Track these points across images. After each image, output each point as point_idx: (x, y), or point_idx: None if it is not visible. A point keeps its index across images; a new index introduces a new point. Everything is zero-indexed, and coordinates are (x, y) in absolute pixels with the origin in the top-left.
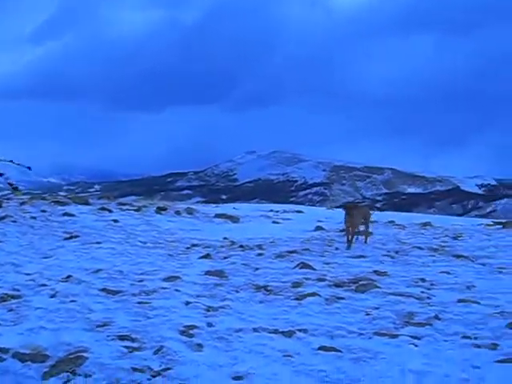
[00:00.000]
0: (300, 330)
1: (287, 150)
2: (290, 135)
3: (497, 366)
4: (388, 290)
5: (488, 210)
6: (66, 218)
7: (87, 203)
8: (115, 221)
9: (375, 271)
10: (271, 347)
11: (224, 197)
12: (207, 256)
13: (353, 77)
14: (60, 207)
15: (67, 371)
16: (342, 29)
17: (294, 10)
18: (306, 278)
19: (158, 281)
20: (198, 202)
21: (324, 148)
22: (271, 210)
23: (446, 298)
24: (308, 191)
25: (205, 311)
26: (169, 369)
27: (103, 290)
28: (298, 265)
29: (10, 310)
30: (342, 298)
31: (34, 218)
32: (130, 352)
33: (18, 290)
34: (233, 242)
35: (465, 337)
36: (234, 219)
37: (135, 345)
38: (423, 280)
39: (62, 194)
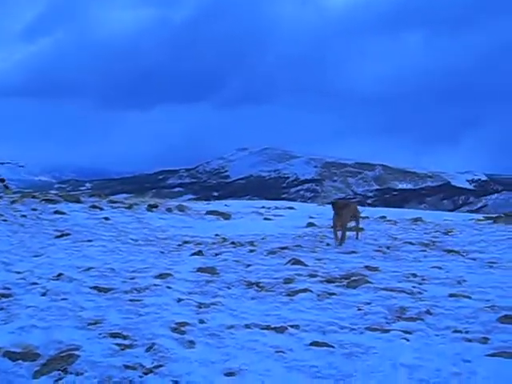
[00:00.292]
0: (292, 326)
1: (279, 146)
2: (282, 132)
3: (488, 360)
4: (379, 286)
5: (479, 205)
6: (56, 216)
7: (78, 201)
8: (106, 218)
9: (367, 267)
10: (263, 343)
11: (216, 194)
12: (199, 253)
13: (344, 74)
14: (51, 205)
15: (59, 369)
16: (332, 27)
17: (285, 9)
18: (298, 274)
19: (149, 278)
20: (189, 200)
21: (315, 145)
22: (263, 207)
23: (437, 292)
24: (300, 187)
25: (196, 308)
26: (161, 366)
27: (94, 287)
28: (289, 261)
29: (1, 309)
30: (334, 294)
31: (25, 216)
32: (122, 349)
33: (9, 289)
34: (224, 239)
35: (456, 331)
36: (225, 216)
37: (127, 342)
38: (414, 275)
39: (52, 192)
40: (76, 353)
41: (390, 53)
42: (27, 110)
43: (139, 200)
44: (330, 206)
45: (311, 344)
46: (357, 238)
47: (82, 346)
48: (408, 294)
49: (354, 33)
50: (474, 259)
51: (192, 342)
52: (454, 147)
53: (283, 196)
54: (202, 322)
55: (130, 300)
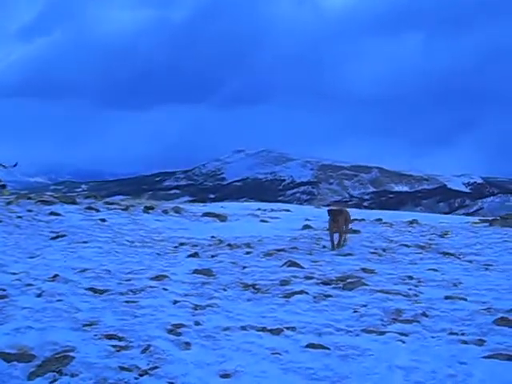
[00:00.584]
0: (288, 328)
1: (275, 149)
2: (278, 134)
3: (483, 362)
4: (376, 288)
5: (475, 208)
6: (52, 217)
7: (74, 202)
8: (102, 220)
9: (363, 269)
10: (259, 345)
11: (212, 196)
12: (195, 255)
13: (341, 76)
14: (46, 207)
15: (54, 371)
16: (330, 28)
17: (282, 10)
18: (294, 276)
19: (145, 280)
20: (185, 202)
21: (312, 147)
22: (259, 209)
23: (433, 294)
24: (296, 190)
25: (192, 310)
26: (156, 367)
27: (90, 289)
28: (285, 263)
29: None
30: (330, 296)
31: (21, 217)
32: (118, 351)
33: (4, 290)
34: (221, 241)
35: (452, 333)
36: (221, 218)
37: (122, 344)
38: (410, 277)
39: (48, 193)
40: (71, 354)
41: (386, 54)
42: (23, 110)
43: (135, 202)
44: (327, 212)
45: (307, 346)
46: (344, 241)
47: (78, 348)
48: (404, 296)
49: (351, 34)
50: (469, 261)
51: (188, 344)
52: (450, 150)
53: (279, 198)
54: (197, 323)
55: (126, 301)
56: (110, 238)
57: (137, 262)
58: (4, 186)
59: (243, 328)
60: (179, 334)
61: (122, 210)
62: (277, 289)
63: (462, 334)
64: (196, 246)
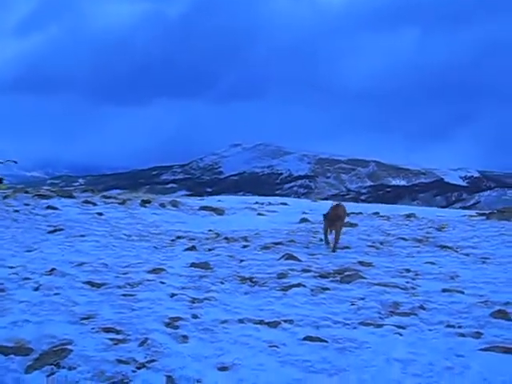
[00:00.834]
0: (285, 321)
1: (272, 142)
2: (275, 128)
3: (480, 355)
4: (373, 281)
5: (471, 201)
6: (49, 211)
7: (71, 196)
8: (99, 214)
9: (360, 262)
10: (256, 338)
11: (209, 190)
12: (192, 248)
13: (338, 70)
14: (43, 200)
15: (51, 364)
16: (327, 22)
17: (279, 4)
18: (292, 269)
19: (142, 273)
20: (183, 196)
21: (309, 141)
22: (256, 203)
23: (430, 287)
24: (293, 184)
25: (190, 303)
26: (154, 360)
27: (87, 282)
28: (283, 256)
29: None
30: (328, 289)
31: (18, 211)
32: (115, 344)
33: (2, 284)
34: (218, 234)
35: (449, 326)
36: (218, 211)
37: (120, 337)
38: (408, 270)
39: (45, 187)
40: (69, 347)
41: (383, 49)
42: (20, 105)
43: (132, 195)
44: (324, 209)
45: (305, 339)
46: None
47: (75, 341)
48: (401, 289)
49: (348, 28)
50: (467, 255)
51: (185, 337)
52: (447, 144)
53: (277, 192)
54: (195, 316)
55: (123, 295)
56: (107, 232)
57: (134, 256)
58: (1, 181)
59: (241, 321)
60: (177, 327)
61: (119, 203)
62: (274, 282)
63: (459, 327)
64: (193, 239)
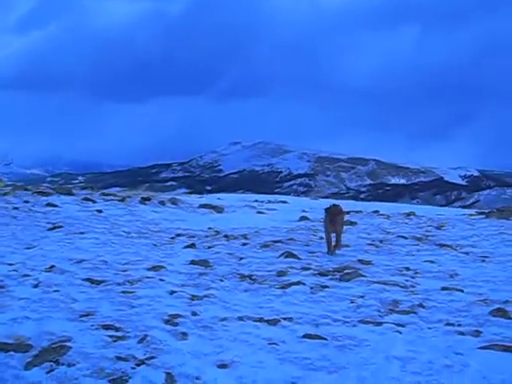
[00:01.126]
0: (285, 319)
1: (272, 140)
2: (275, 126)
3: (480, 353)
4: (373, 279)
5: (471, 200)
6: (49, 208)
7: (70, 194)
8: (99, 211)
9: (360, 260)
10: (256, 335)
11: (209, 188)
12: (192, 246)
13: (338, 69)
14: (43, 198)
15: (51, 361)
16: (327, 20)
17: (279, 2)
18: (291, 267)
19: (142, 270)
20: (182, 193)
21: (309, 139)
22: (256, 201)
23: (429, 286)
24: (293, 182)
25: (189, 300)
26: (153, 357)
27: (87, 279)
28: (282, 254)
29: None
30: (327, 287)
31: (17, 208)
32: (114, 341)
33: (1, 281)
34: (217, 232)
35: (448, 324)
36: (218, 209)
37: (119, 334)
38: (407, 269)
39: (45, 185)
40: (68, 344)
41: (383, 47)
42: (20, 102)
43: (132, 193)
44: (324, 210)
45: (304, 336)
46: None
47: (74, 338)
48: (401, 287)
49: (348, 26)
50: (466, 253)
51: (185, 334)
52: (446, 143)
53: (276, 190)
54: (194, 314)
55: (123, 292)
56: (106, 229)
57: (133, 253)
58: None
59: (240, 318)
60: (176, 325)
61: (119, 201)
62: (274, 280)
63: (459, 325)
64: (193, 237)
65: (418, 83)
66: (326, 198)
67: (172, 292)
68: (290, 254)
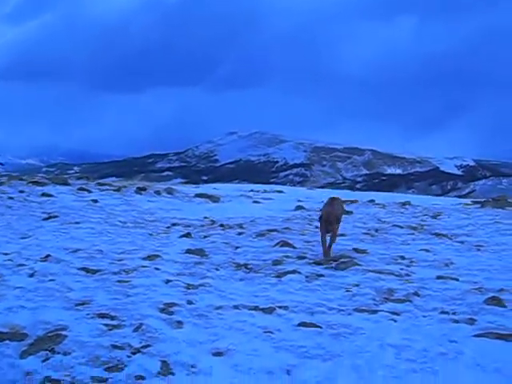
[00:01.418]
0: (280, 307)
1: (268, 130)
2: (271, 116)
3: (474, 341)
4: (368, 268)
5: (467, 190)
6: (44, 198)
7: (66, 183)
8: (94, 201)
9: (355, 249)
10: (251, 324)
11: (205, 178)
12: (187, 235)
13: (334, 59)
14: (38, 187)
15: (46, 349)
16: (324, 10)
17: None
18: (287, 256)
19: (137, 260)
20: (178, 183)
21: (305, 129)
22: (252, 190)
23: (425, 274)
24: (289, 172)
25: (185, 289)
26: (149, 346)
27: (82, 269)
28: (278, 243)
29: None
30: (322, 276)
31: (12, 198)
32: (110, 330)
33: None
34: (213, 221)
35: (443, 312)
36: (214, 199)
37: (115, 322)
38: (403, 257)
39: (40, 175)
40: (63, 333)
41: (380, 38)
42: (15, 93)
43: (128, 183)
44: (322, 205)
45: (299, 325)
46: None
47: (70, 326)
48: (396, 276)
49: (345, 16)
50: (461, 242)
51: (180, 323)
52: (442, 133)
53: (272, 180)
54: (190, 302)
55: (118, 281)
56: (102, 219)
57: (129, 242)
58: None
59: (236, 307)
60: (171, 313)
61: (114, 190)
62: (269, 268)
63: (453, 313)
64: (188, 226)
65: (415, 73)
66: (321, 187)
67: (167, 281)
68: (285, 243)
